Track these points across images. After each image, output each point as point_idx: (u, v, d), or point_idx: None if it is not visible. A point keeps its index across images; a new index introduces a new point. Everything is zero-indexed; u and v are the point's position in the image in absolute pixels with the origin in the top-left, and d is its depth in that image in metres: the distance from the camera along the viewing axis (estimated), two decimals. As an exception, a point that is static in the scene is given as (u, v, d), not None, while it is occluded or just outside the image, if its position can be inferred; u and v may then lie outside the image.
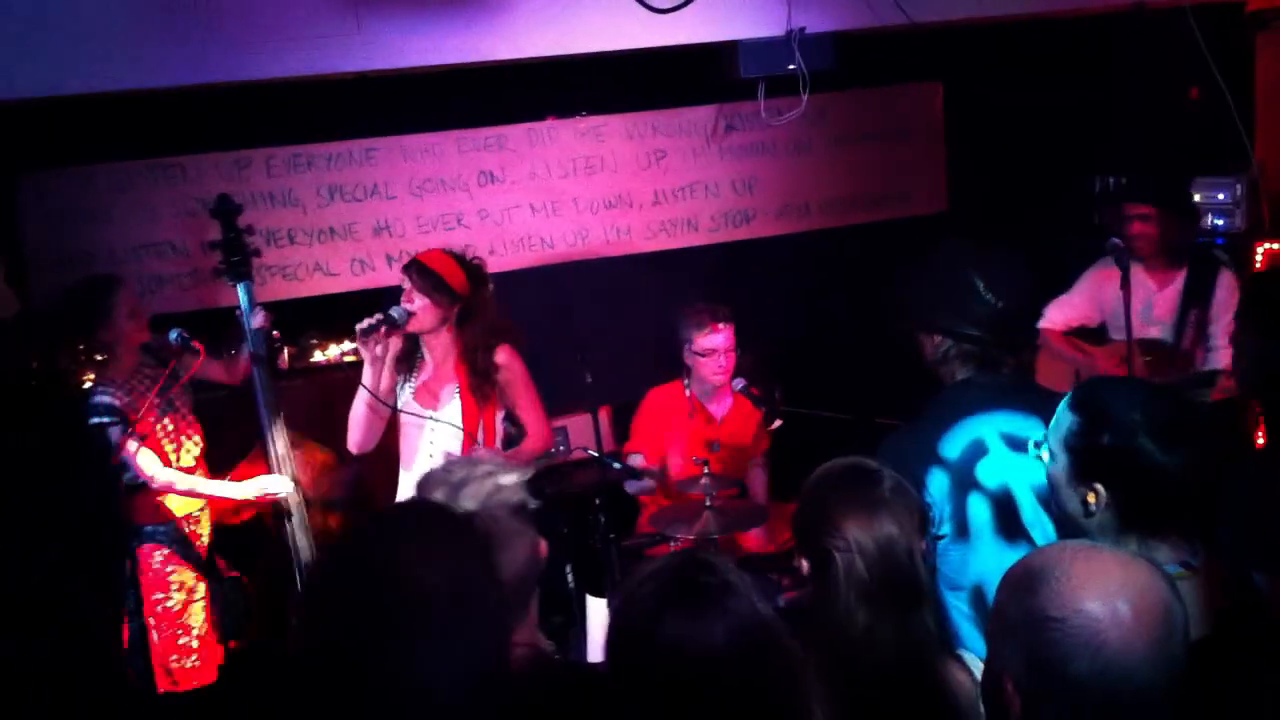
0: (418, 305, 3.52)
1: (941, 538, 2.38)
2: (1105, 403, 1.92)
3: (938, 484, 2.40)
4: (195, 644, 3.95)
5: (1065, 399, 1.99)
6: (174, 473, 3.85)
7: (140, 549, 3.90)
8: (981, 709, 1.57)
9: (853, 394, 4.11)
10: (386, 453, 3.72)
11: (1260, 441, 4.15)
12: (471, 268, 3.64)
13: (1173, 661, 1.39)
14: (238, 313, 3.92)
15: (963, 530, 2.40)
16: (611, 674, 1.64)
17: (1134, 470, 1.86)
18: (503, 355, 3.63)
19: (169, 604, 3.91)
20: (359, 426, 3.57)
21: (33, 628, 3.60)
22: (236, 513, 4.03)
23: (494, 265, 4.85)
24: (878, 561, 1.93)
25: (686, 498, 3.99)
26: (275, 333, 3.99)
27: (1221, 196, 4.94)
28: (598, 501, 3.96)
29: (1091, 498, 1.89)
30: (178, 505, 3.93)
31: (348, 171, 4.88)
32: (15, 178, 4.41)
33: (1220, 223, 4.94)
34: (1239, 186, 4.88)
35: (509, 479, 2.14)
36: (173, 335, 3.84)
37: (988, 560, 2.35)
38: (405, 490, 3.65)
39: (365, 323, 3.42)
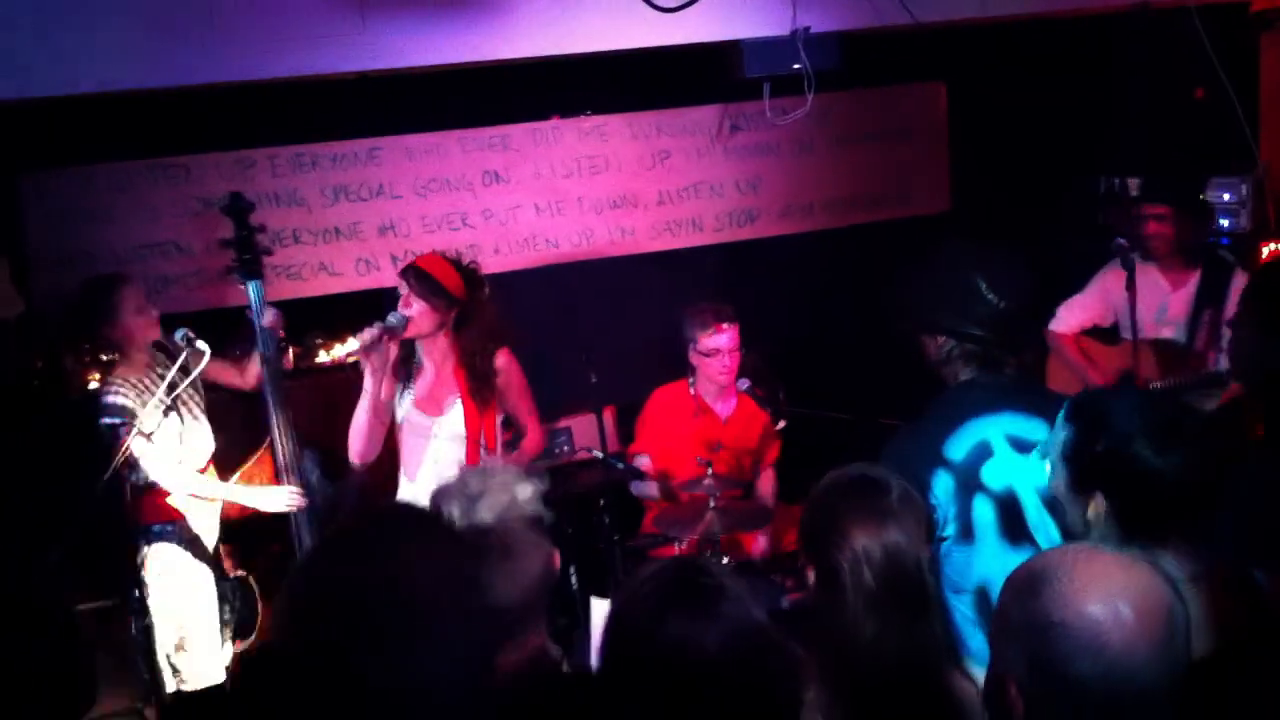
0: (415, 310, 3.50)
1: (945, 539, 2.37)
2: (1100, 411, 1.92)
3: (942, 486, 2.40)
4: (202, 643, 3.95)
5: (1061, 412, 2.00)
6: (185, 475, 3.83)
7: (148, 548, 3.89)
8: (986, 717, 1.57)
9: (856, 394, 4.11)
10: (386, 461, 3.70)
11: (1260, 439, 4.14)
12: (468, 271, 3.63)
13: (1175, 663, 1.40)
14: (247, 312, 3.88)
15: (967, 532, 2.40)
16: (607, 673, 1.64)
17: (1130, 475, 1.86)
18: (501, 359, 3.62)
19: (176, 603, 3.91)
20: (361, 436, 3.51)
21: (33, 628, 3.62)
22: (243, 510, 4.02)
23: (498, 265, 4.89)
24: (885, 570, 1.93)
25: (690, 499, 3.98)
26: (280, 333, 3.98)
27: (1227, 197, 4.93)
28: (602, 502, 3.96)
29: (1092, 508, 1.89)
30: (185, 504, 3.91)
31: (352, 171, 4.87)
32: (16, 178, 4.40)
33: (1226, 223, 4.94)
34: (1245, 187, 4.88)
35: (525, 492, 2.14)
36: (178, 335, 3.81)
37: (991, 563, 2.35)
38: (407, 499, 3.63)
39: (366, 335, 3.38)
